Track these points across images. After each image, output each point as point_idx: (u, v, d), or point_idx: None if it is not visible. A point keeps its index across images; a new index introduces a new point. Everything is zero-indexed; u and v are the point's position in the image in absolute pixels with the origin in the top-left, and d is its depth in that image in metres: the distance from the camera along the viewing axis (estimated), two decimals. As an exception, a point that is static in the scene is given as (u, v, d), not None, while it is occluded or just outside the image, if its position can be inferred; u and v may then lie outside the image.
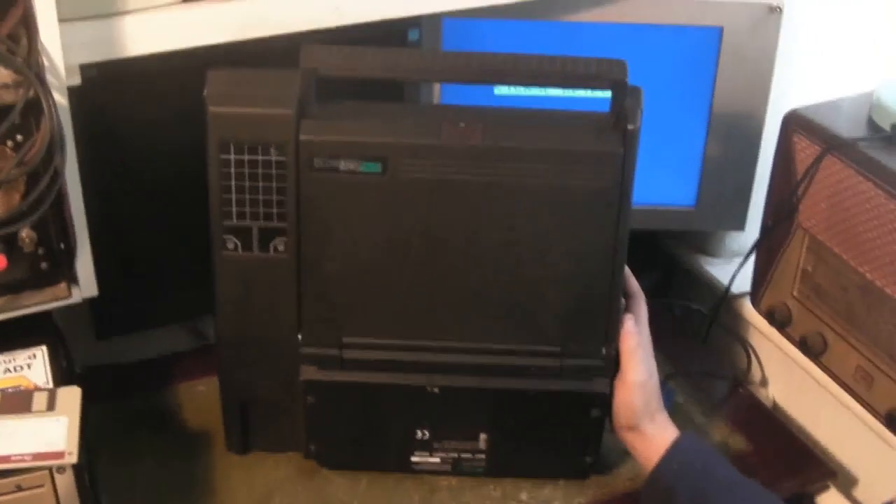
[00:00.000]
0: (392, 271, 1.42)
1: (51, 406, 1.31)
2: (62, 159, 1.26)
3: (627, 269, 1.50)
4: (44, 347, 1.43)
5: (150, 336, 1.75)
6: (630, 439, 1.51)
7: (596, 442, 1.54)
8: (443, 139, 1.36)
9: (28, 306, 1.36)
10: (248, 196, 1.38)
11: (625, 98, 1.36)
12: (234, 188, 1.37)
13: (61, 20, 1.25)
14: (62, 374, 1.41)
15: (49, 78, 1.25)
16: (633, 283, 1.54)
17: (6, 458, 1.24)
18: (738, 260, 1.81)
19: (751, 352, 1.92)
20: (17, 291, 1.35)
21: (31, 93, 1.22)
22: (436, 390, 1.48)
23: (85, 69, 1.32)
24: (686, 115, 1.79)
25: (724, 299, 1.89)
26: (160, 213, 1.63)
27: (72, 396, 1.33)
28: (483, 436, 1.53)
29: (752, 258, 1.74)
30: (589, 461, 1.56)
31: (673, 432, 1.48)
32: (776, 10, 1.72)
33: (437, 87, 1.75)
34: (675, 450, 1.46)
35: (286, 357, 1.47)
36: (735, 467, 1.47)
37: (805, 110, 1.61)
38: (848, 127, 1.55)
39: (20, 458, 1.24)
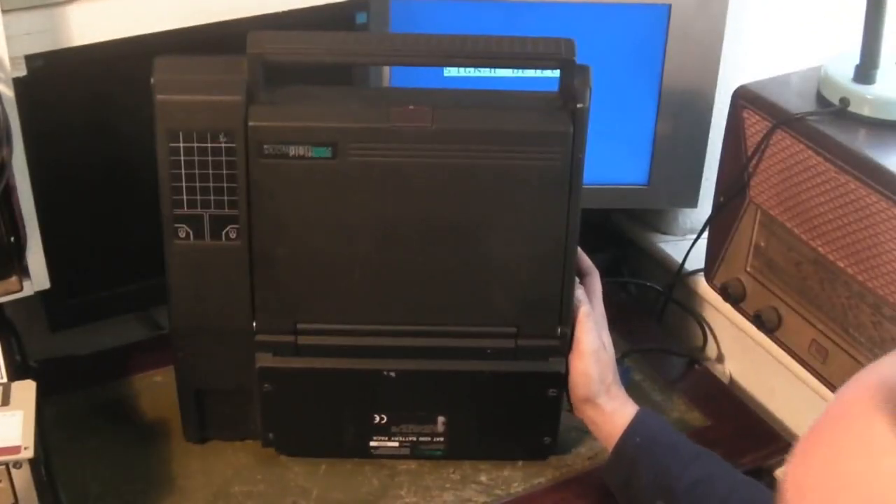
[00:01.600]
0: (345, 256, 1.42)
1: (5, 401, 1.31)
2: (9, 151, 1.25)
3: (579, 248, 1.50)
4: (-4, 341, 1.42)
5: (104, 327, 1.74)
6: (589, 414, 1.50)
7: (554, 422, 1.54)
8: (392, 122, 1.36)
9: (-21, 300, 1.35)
10: (198, 184, 1.37)
11: (573, 77, 1.37)
12: (184, 176, 1.37)
13: (5, 10, 1.24)
14: (16, 369, 1.40)
15: (-7, 69, 1.24)
16: (587, 261, 1.55)
17: (-39, 455, 1.23)
18: (692, 237, 1.82)
19: (706, 328, 1.92)
20: (-33, 286, 1.34)
21: (-25, 85, 1.21)
22: (392, 374, 1.48)
23: (30, 60, 1.31)
24: (636, 94, 1.79)
25: (678, 276, 1.89)
26: (111, 203, 1.62)
27: (26, 390, 1.33)
28: (441, 419, 1.53)
29: (706, 235, 1.75)
30: (547, 441, 1.56)
31: (632, 408, 1.49)
32: (724, -13, 1.72)
33: (386, 70, 1.75)
34: (637, 424, 1.46)
35: (241, 345, 1.46)
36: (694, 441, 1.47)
37: (754, 86, 1.61)
38: (797, 102, 1.56)
39: (-25, 453, 1.24)
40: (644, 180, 1.85)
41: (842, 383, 1.48)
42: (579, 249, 1.50)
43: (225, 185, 1.37)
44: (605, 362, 1.50)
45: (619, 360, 1.72)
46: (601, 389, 1.49)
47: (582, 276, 1.53)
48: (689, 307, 1.94)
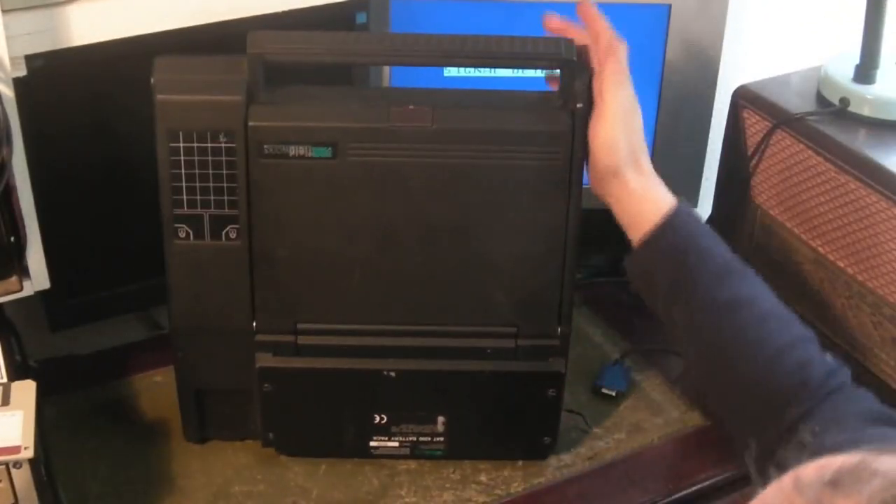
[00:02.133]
0: (345, 256, 1.42)
1: (5, 401, 1.31)
2: (9, 151, 1.25)
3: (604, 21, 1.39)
4: (-4, 341, 1.42)
5: (104, 327, 1.74)
6: (611, 189, 1.37)
7: (554, 422, 1.54)
8: (392, 122, 1.36)
9: (-21, 301, 1.35)
10: (198, 184, 1.37)
11: (573, 77, 1.37)
12: (184, 176, 1.36)
13: (5, 10, 1.24)
14: (16, 369, 1.40)
15: (-7, 69, 1.24)
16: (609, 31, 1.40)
17: (-39, 455, 1.23)
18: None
19: (706, 328, 1.92)
20: (-33, 286, 1.34)
21: (-25, 85, 1.21)
22: (392, 374, 1.48)
23: (30, 60, 1.31)
24: (636, 93, 1.79)
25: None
26: (111, 203, 1.62)
27: (27, 390, 1.33)
28: (441, 419, 1.53)
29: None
30: (547, 441, 1.56)
31: (663, 191, 1.36)
32: (724, -13, 1.72)
33: (386, 70, 1.75)
34: (673, 219, 1.34)
35: (241, 345, 1.46)
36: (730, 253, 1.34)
37: (754, 86, 1.62)
38: (797, 102, 1.56)
39: (-25, 453, 1.24)
40: (644, 180, 1.85)
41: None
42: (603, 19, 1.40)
43: (225, 185, 1.37)
44: (634, 127, 1.37)
45: (620, 360, 1.72)
46: (629, 161, 1.36)
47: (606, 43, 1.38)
48: (689, 307, 1.93)
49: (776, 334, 1.27)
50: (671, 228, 1.33)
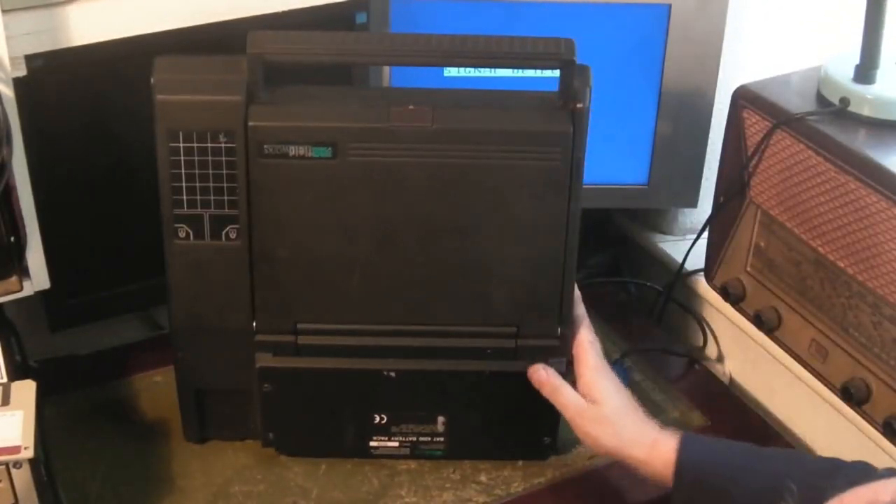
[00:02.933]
0: (345, 256, 1.42)
1: (5, 401, 1.31)
2: (9, 151, 1.25)
3: (578, 293, 1.48)
4: (-4, 341, 1.42)
5: (104, 327, 1.74)
6: (628, 459, 1.42)
7: (553, 422, 1.54)
8: (392, 122, 1.36)
9: (-21, 301, 1.35)
10: (198, 184, 1.37)
11: (573, 77, 1.37)
12: (184, 176, 1.37)
13: (5, 10, 1.24)
14: (16, 369, 1.40)
15: (-7, 69, 1.24)
16: (579, 308, 1.51)
17: (-39, 455, 1.23)
18: (692, 237, 1.82)
19: (706, 328, 1.92)
20: (-33, 286, 1.34)
21: (-25, 85, 1.21)
22: (392, 374, 1.48)
23: (30, 60, 1.31)
24: (636, 93, 1.79)
25: (678, 276, 1.89)
26: (111, 203, 1.62)
27: (27, 390, 1.33)
28: (441, 419, 1.53)
29: (706, 235, 1.75)
30: (547, 441, 1.56)
31: (669, 435, 1.39)
32: (723, -14, 1.72)
33: (386, 70, 1.75)
34: (684, 459, 1.36)
35: (241, 345, 1.46)
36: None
37: (754, 85, 1.61)
38: (797, 102, 1.56)
39: (-25, 453, 1.24)
40: (644, 180, 1.85)
41: (841, 383, 1.48)
42: (577, 294, 1.48)
43: (225, 185, 1.37)
44: (628, 410, 1.43)
45: (619, 360, 1.72)
46: (634, 441, 1.41)
47: (571, 324, 1.48)
48: (688, 307, 1.94)
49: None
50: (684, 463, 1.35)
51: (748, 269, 1.66)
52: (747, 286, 1.67)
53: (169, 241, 1.41)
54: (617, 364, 1.72)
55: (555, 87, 1.40)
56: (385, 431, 1.53)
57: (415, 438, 1.54)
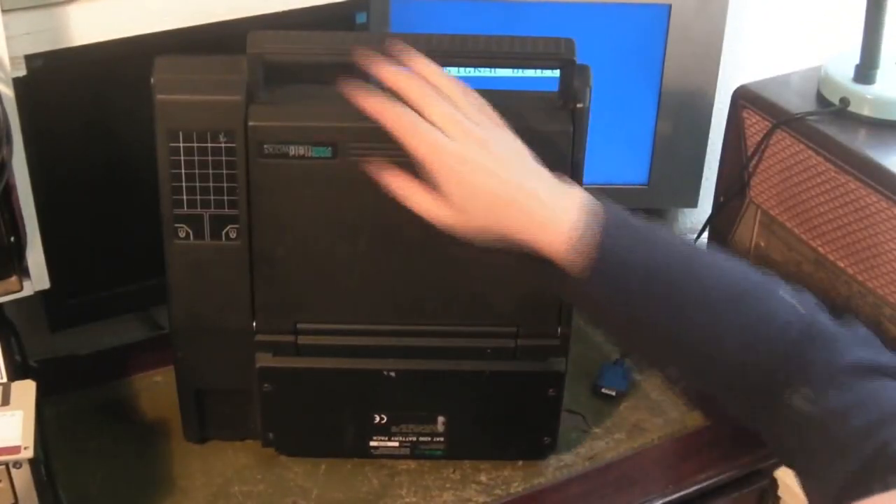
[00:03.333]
0: (345, 256, 1.42)
1: (5, 401, 1.30)
2: (9, 151, 1.25)
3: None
4: (-4, 341, 1.42)
5: (104, 327, 1.74)
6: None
7: (553, 422, 1.54)
8: (392, 122, 1.35)
9: (-22, 301, 1.35)
10: (198, 184, 1.37)
11: (573, 77, 1.36)
12: (184, 176, 1.36)
13: (5, 10, 1.24)
14: (16, 369, 1.40)
15: (-7, 69, 1.24)
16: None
17: (-39, 455, 1.23)
18: (692, 237, 1.82)
19: (706, 328, 1.92)
20: (-33, 286, 1.34)
21: (-25, 85, 1.21)
22: (392, 374, 1.48)
23: (30, 60, 1.31)
24: (636, 94, 1.79)
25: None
26: (111, 203, 1.62)
27: (27, 390, 1.32)
28: (441, 419, 1.53)
29: (706, 235, 1.75)
30: (547, 441, 1.56)
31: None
32: (724, -14, 1.72)
33: (386, 70, 1.75)
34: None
35: (241, 345, 1.46)
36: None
37: (754, 85, 1.61)
38: (797, 102, 1.56)
39: (-25, 453, 1.24)
40: (644, 180, 1.85)
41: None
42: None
43: (225, 184, 1.37)
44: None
45: (619, 360, 1.72)
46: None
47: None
48: (689, 307, 1.93)
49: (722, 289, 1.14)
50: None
51: (748, 269, 1.66)
52: (747, 286, 1.67)
53: (169, 241, 1.41)
54: (617, 364, 1.71)
55: (555, 87, 1.40)
56: (385, 431, 1.53)
57: (415, 438, 1.54)
